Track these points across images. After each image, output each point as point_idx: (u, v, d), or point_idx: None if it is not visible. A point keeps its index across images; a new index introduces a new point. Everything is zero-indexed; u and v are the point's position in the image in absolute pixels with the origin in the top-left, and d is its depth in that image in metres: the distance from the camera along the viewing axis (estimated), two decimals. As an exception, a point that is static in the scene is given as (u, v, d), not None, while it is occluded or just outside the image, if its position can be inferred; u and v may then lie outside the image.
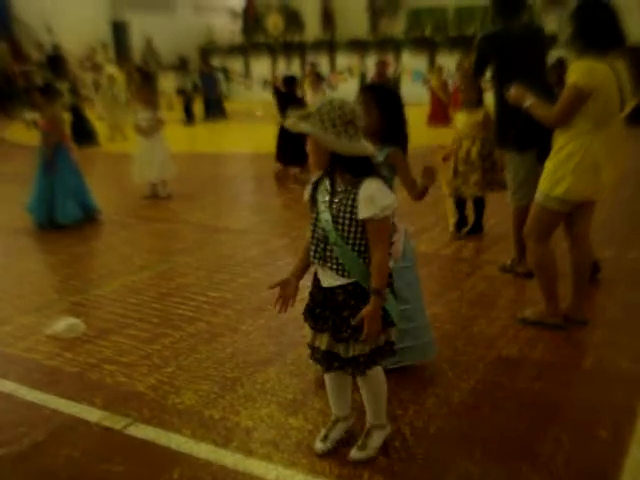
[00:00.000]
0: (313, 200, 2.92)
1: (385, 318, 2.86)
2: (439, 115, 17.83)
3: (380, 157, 3.51)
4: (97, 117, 17.11)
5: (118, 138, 15.66)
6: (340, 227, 2.78)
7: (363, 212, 2.74)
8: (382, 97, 3.60)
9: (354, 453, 3.11)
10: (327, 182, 2.86)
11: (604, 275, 5.38)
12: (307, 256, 2.98)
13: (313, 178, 2.96)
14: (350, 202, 2.76)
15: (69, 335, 4.60)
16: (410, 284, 3.79)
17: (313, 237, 2.89)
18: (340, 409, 3.24)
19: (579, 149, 4.16)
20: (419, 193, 3.71)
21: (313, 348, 3.01)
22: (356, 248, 2.80)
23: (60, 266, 6.54)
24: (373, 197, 2.73)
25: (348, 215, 2.77)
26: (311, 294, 3.01)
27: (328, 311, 2.89)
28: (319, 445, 3.17)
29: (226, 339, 4.53)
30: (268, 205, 9.20)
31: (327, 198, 2.83)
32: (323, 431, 3.23)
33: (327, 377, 3.16)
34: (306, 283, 3.06)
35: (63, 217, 7.84)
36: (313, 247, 2.89)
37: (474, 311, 4.87)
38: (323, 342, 2.92)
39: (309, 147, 2.78)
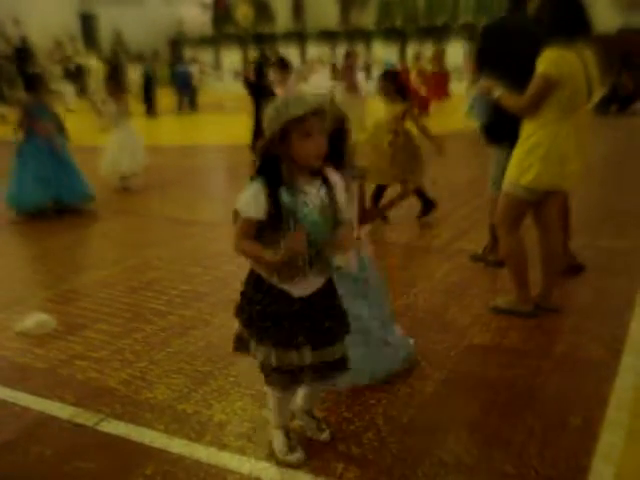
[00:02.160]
0: (278, 212, 2.65)
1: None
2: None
3: None
4: (66, 109, 16.94)
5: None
6: (330, 221, 2.74)
7: (341, 197, 2.78)
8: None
9: (325, 435, 3.17)
10: (298, 183, 2.68)
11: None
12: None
13: (254, 188, 2.67)
14: (329, 192, 2.74)
15: (39, 331, 4.55)
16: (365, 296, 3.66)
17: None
18: (288, 418, 3.19)
19: (546, 138, 4.19)
20: None
21: (290, 370, 2.83)
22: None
23: (30, 261, 6.48)
24: (339, 181, 2.80)
25: (331, 206, 2.74)
26: (271, 312, 2.78)
27: (302, 322, 2.77)
28: (293, 457, 3.04)
29: (198, 332, 4.51)
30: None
31: (313, 199, 2.69)
32: (283, 446, 3.07)
33: (286, 394, 3.03)
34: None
35: (32, 203, 7.89)
36: (297, 262, 2.68)
37: (446, 300, 4.89)
38: (305, 357, 2.79)
39: (321, 141, 2.62)
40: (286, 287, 2.77)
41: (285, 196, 2.64)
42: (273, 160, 2.66)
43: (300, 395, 3.22)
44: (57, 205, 8.00)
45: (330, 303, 2.85)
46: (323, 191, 2.73)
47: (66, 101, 20.54)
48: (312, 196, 2.70)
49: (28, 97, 8.06)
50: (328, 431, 3.19)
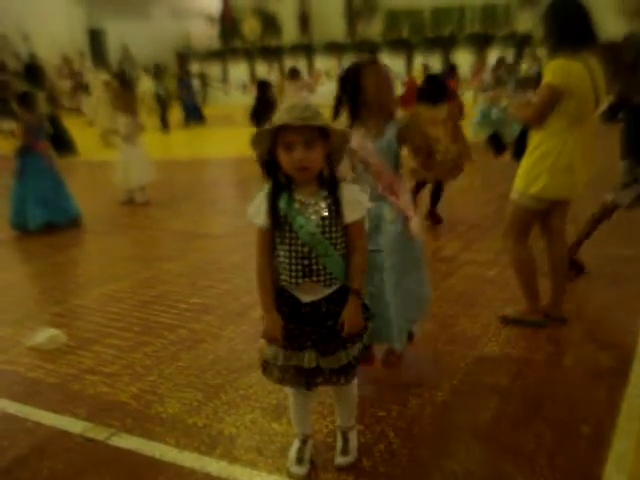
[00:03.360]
0: (276, 219, 2.72)
1: (366, 313, 2.88)
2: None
3: (392, 130, 3.65)
4: (87, 123, 17.06)
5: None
6: (327, 235, 2.70)
7: (351, 215, 2.71)
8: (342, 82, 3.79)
9: (340, 460, 3.08)
10: (298, 193, 2.70)
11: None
12: (271, 282, 2.82)
13: (260, 196, 2.76)
14: (334, 207, 2.70)
15: (50, 346, 4.57)
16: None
17: (290, 257, 2.73)
18: (307, 427, 3.16)
19: (554, 148, 4.19)
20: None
21: (286, 368, 2.84)
22: (341, 252, 2.75)
23: (39, 276, 6.51)
24: (358, 200, 2.75)
25: (334, 222, 2.70)
26: (282, 312, 2.81)
27: (309, 327, 2.78)
28: (297, 470, 3.04)
29: (208, 346, 4.52)
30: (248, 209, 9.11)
31: (310, 209, 2.69)
32: (294, 454, 3.10)
33: (297, 397, 3.03)
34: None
35: (31, 222, 7.96)
36: (293, 267, 2.72)
37: (455, 310, 4.88)
38: (306, 359, 2.79)
39: (312, 154, 2.60)
40: (294, 292, 2.80)
41: (282, 204, 2.69)
42: (273, 168, 2.71)
43: (336, 411, 3.22)
44: (48, 225, 8.07)
45: (341, 309, 2.80)
46: (326, 204, 2.70)
47: (86, 113, 20.71)
48: (311, 207, 2.70)
49: (28, 115, 8.09)
50: (348, 459, 3.09)
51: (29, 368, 4.31)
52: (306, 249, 2.69)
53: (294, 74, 13.74)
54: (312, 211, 2.69)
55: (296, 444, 3.14)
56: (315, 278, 2.73)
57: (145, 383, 4.03)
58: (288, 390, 3.07)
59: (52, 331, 4.72)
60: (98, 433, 3.46)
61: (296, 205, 2.69)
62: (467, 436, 3.31)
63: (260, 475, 3.05)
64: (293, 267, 2.73)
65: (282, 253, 2.75)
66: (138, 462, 3.22)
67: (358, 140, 3.61)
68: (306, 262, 2.71)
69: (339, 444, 3.14)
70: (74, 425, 3.56)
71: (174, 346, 4.54)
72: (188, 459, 3.20)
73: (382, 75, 3.70)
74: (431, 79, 7.79)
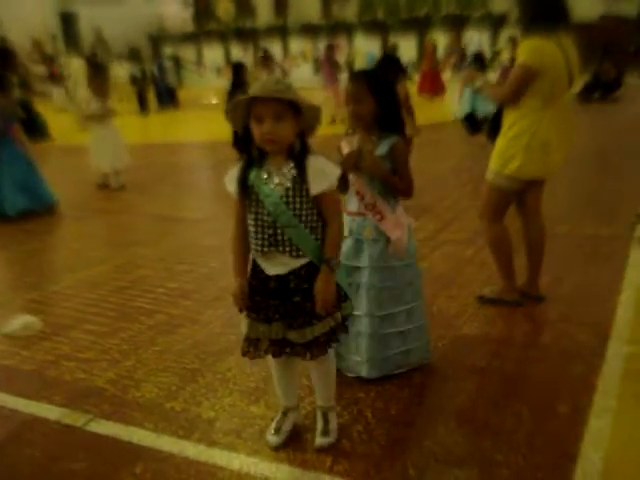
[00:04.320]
0: (244, 188, 2.80)
1: (339, 293, 2.87)
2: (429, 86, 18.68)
3: (384, 148, 3.43)
4: (56, 109, 16.89)
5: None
6: (292, 206, 2.73)
7: (317, 187, 2.72)
8: (375, 84, 3.43)
9: (320, 440, 3.10)
10: (267, 165, 2.77)
11: (560, 250, 5.45)
12: (244, 250, 2.90)
13: (236, 167, 2.85)
14: (299, 179, 2.72)
15: (25, 333, 4.53)
16: (411, 283, 3.68)
17: (256, 226, 2.80)
18: (290, 399, 3.21)
19: (528, 127, 4.20)
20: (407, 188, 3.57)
21: (256, 340, 2.93)
22: (308, 225, 2.77)
23: (14, 262, 6.44)
24: (324, 170, 2.75)
25: (298, 193, 2.73)
26: (251, 285, 2.90)
27: (278, 300, 2.83)
28: (272, 438, 3.13)
29: (186, 330, 4.50)
30: (224, 193, 9.05)
31: (276, 180, 2.75)
32: (274, 424, 3.19)
33: (277, 367, 3.11)
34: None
35: (10, 208, 7.89)
36: (259, 236, 2.80)
37: (432, 290, 4.88)
38: (273, 331, 2.87)
39: (281, 126, 2.65)
40: (262, 264, 2.87)
41: (252, 175, 2.78)
42: (246, 140, 2.78)
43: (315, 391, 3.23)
44: (25, 210, 8.00)
45: (309, 285, 2.81)
46: (291, 174, 2.74)
47: (54, 101, 20.50)
48: (277, 178, 2.75)
49: (2, 99, 7.97)
50: (328, 440, 3.11)
51: (4, 355, 4.27)
52: (270, 219, 2.76)
53: (265, 60, 13.26)
54: (277, 182, 2.75)
55: (277, 415, 3.22)
56: (281, 248, 2.78)
57: (122, 368, 4.00)
58: (269, 362, 3.10)
59: (27, 318, 4.68)
60: (75, 419, 3.44)
61: (264, 175, 2.77)
62: (445, 416, 3.32)
63: (239, 458, 3.05)
64: (259, 235, 2.80)
65: (250, 222, 2.84)
66: (116, 447, 3.20)
67: (351, 148, 3.51)
68: (271, 231, 2.78)
69: (319, 425, 3.16)
70: (51, 412, 3.53)
71: (151, 331, 4.51)
72: (166, 443, 3.19)
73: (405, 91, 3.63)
74: (387, 58, 7.84)
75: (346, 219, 3.50)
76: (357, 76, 3.55)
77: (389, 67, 7.31)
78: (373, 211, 3.51)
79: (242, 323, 2.96)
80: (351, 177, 3.52)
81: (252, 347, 2.96)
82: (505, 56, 15.39)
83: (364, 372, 3.64)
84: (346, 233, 3.52)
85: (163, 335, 4.44)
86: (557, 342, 4.09)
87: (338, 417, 3.27)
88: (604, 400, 3.39)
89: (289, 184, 2.73)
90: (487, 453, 3.01)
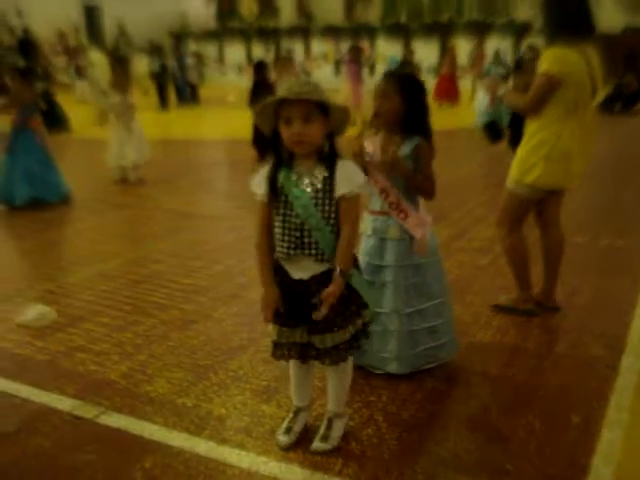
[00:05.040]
0: (273, 189, 2.79)
1: (358, 300, 2.88)
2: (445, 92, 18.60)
3: (407, 149, 3.44)
4: (77, 101, 16.97)
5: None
6: (320, 208, 2.74)
7: (342, 189, 2.72)
8: (405, 85, 3.47)
9: (317, 445, 3.09)
10: (297, 166, 2.78)
11: (577, 261, 5.42)
12: (272, 257, 2.88)
13: (264, 169, 2.84)
14: (329, 181, 2.73)
15: (40, 323, 4.55)
16: (438, 278, 3.73)
17: (283, 228, 2.79)
18: (302, 399, 3.22)
19: (550, 137, 4.18)
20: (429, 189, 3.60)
21: (283, 345, 2.95)
22: (335, 229, 2.77)
23: (30, 253, 6.47)
24: (350, 175, 2.75)
25: (328, 195, 2.73)
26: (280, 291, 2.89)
27: (300, 303, 2.83)
28: (282, 438, 3.12)
29: (199, 326, 4.50)
30: (242, 191, 9.05)
31: (306, 181, 2.75)
32: (285, 423, 3.19)
33: (295, 367, 3.12)
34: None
35: (18, 198, 8.00)
36: (286, 238, 2.78)
37: (447, 298, 4.87)
38: (298, 335, 2.90)
39: (310, 128, 2.66)
40: (286, 267, 2.86)
41: (281, 176, 2.77)
42: (277, 143, 2.77)
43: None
44: (35, 201, 8.08)
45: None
46: (322, 176, 2.74)
47: (76, 93, 20.64)
48: (307, 180, 2.75)
49: (27, 90, 8.08)
50: (323, 446, 3.08)
51: (18, 345, 4.29)
52: (299, 221, 2.75)
53: (284, 62, 11.58)
54: (308, 183, 2.75)
55: (289, 415, 3.22)
56: (307, 251, 2.77)
57: (135, 362, 4.01)
58: (290, 362, 3.10)
59: (42, 308, 4.70)
60: (87, 411, 3.45)
61: (293, 177, 2.76)
62: (456, 423, 3.32)
63: (249, 456, 3.05)
64: (286, 238, 2.79)
65: (277, 224, 2.82)
66: (126, 441, 3.20)
67: (375, 147, 3.55)
68: (298, 234, 2.77)
69: (322, 429, 3.15)
70: (63, 402, 3.55)
71: (165, 326, 4.52)
72: (177, 439, 3.19)
73: None
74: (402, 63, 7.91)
75: (369, 218, 3.60)
76: (390, 75, 3.61)
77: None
78: (397, 210, 3.53)
79: (270, 328, 2.96)
80: (375, 176, 3.52)
81: (282, 351, 2.97)
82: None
83: (393, 369, 3.67)
84: (369, 232, 3.62)
85: (176, 331, 4.44)
86: (571, 353, 4.07)
87: (349, 420, 3.27)
88: (616, 413, 3.37)
89: (319, 186, 2.73)
90: (497, 462, 3.00)
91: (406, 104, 3.43)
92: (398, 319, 3.60)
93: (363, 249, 3.64)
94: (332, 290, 2.75)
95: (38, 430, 3.31)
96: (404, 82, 3.48)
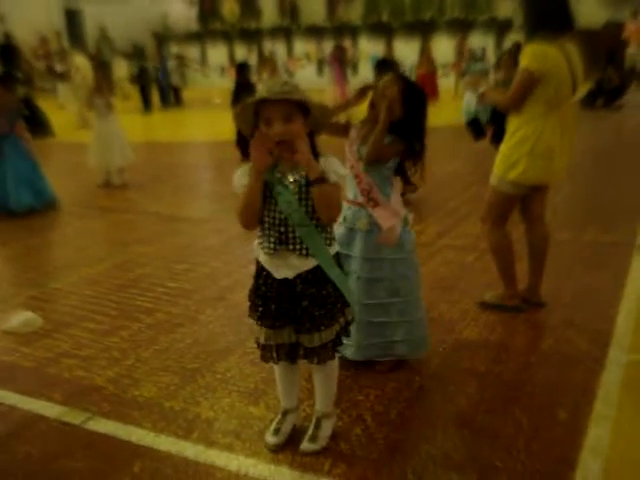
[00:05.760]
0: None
1: (342, 299, 2.89)
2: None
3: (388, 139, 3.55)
4: (59, 106, 16.93)
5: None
6: (304, 203, 2.73)
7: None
8: (408, 90, 3.58)
9: (306, 446, 3.09)
10: (280, 164, 2.76)
11: (562, 257, 5.44)
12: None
13: (247, 165, 2.78)
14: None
15: (25, 330, 4.52)
16: (404, 276, 3.69)
17: (268, 223, 2.80)
18: (290, 400, 3.21)
19: (532, 133, 4.19)
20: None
21: (271, 347, 2.93)
22: (319, 225, 2.77)
23: (15, 259, 6.44)
24: (335, 171, 2.74)
25: (307, 191, 2.73)
26: (260, 296, 2.89)
27: (286, 304, 2.84)
28: (271, 439, 3.12)
29: (186, 329, 4.49)
30: (226, 193, 9.04)
31: (290, 178, 2.75)
32: (273, 425, 3.18)
33: (281, 368, 3.11)
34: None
35: (16, 205, 7.89)
36: (270, 233, 2.79)
37: (434, 295, 4.88)
38: (286, 336, 2.90)
39: (291, 128, 2.63)
40: (270, 268, 2.85)
41: (265, 173, 2.73)
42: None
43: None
44: (30, 207, 8.01)
45: (317, 290, 2.82)
46: (305, 174, 2.72)
47: (59, 98, 20.52)
48: (291, 176, 2.75)
49: (8, 96, 8.01)
50: (313, 447, 3.07)
51: (4, 352, 4.27)
52: (283, 216, 2.76)
53: (266, 63, 12.53)
54: (291, 180, 2.75)
55: (277, 416, 3.22)
56: (291, 247, 2.78)
57: (122, 367, 4.00)
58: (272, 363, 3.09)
59: (27, 314, 4.68)
60: (74, 417, 3.43)
61: (277, 174, 2.76)
62: (444, 420, 3.32)
63: (237, 459, 3.04)
64: (270, 232, 2.80)
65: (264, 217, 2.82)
66: (114, 446, 3.19)
67: (354, 135, 3.63)
68: (282, 229, 2.78)
69: (310, 429, 3.15)
70: (50, 409, 3.53)
71: (151, 330, 4.51)
72: (165, 443, 3.18)
73: None
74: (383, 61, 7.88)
75: (343, 206, 3.56)
76: (397, 76, 3.69)
77: (383, 69, 7.31)
78: (367, 197, 3.57)
79: (256, 331, 2.95)
80: (350, 159, 3.59)
81: (271, 353, 2.95)
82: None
83: (349, 354, 3.71)
84: (340, 219, 3.61)
85: (163, 334, 4.43)
86: (557, 349, 4.09)
87: (337, 420, 3.27)
88: (604, 408, 3.38)
89: (303, 182, 2.73)
90: (486, 458, 3.01)
91: (403, 109, 3.54)
92: (358, 309, 3.55)
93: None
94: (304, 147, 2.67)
95: (26, 437, 3.30)
96: (408, 88, 3.59)
